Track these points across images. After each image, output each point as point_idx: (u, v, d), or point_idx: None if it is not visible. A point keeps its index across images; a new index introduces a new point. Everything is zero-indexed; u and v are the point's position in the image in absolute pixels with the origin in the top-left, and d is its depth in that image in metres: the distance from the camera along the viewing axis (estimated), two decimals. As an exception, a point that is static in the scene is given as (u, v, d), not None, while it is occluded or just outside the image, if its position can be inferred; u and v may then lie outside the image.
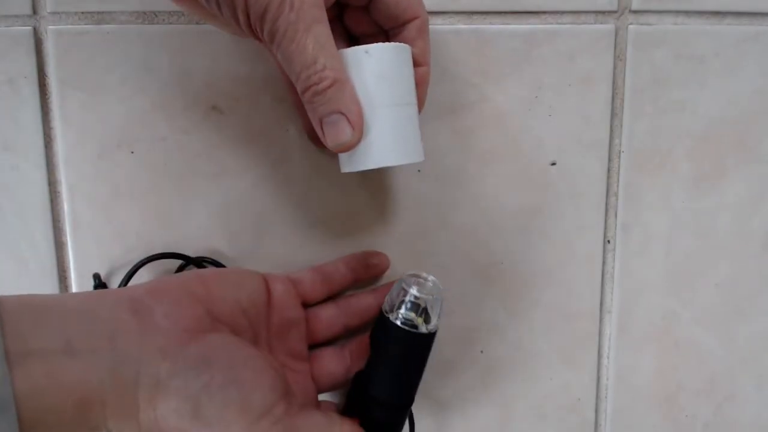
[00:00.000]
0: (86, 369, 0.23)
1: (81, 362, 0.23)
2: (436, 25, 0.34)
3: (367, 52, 0.26)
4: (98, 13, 0.33)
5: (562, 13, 0.35)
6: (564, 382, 0.38)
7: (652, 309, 0.38)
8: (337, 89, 0.25)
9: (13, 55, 0.33)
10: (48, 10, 0.33)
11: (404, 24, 0.28)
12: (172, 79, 0.34)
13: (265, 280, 0.31)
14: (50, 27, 0.33)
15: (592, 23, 0.35)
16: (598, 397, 0.39)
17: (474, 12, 0.34)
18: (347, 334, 0.34)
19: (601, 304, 0.38)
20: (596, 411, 0.39)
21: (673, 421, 0.39)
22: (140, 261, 0.34)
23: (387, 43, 0.27)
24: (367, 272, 0.35)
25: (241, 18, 0.24)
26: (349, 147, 0.26)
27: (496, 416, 0.39)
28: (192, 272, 0.29)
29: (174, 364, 0.24)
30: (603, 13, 0.35)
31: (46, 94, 0.34)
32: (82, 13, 0.33)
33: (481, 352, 0.38)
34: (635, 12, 0.35)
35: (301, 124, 0.34)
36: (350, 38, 0.31)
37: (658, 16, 0.35)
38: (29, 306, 0.23)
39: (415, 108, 0.28)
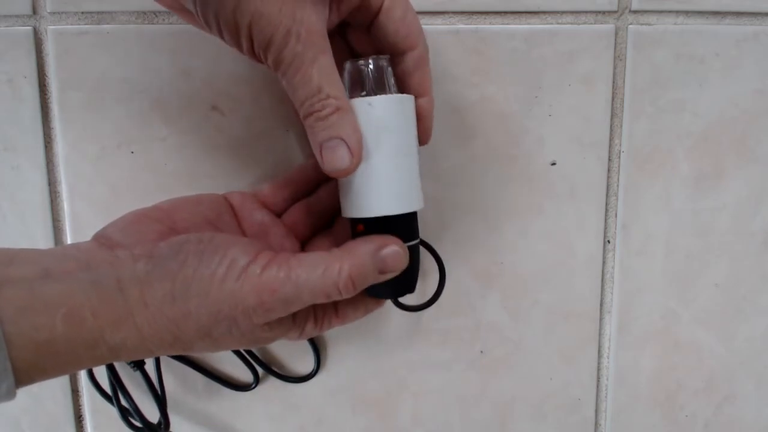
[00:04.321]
0: (67, 287, 0.23)
1: (61, 283, 0.23)
2: (436, 25, 0.34)
3: (370, 104, 0.27)
4: (98, 13, 0.33)
5: (562, 13, 0.35)
6: (564, 382, 0.38)
7: (652, 309, 0.38)
8: (339, 116, 0.26)
9: (13, 55, 0.33)
10: (48, 10, 0.33)
11: (402, 53, 0.28)
12: (172, 79, 0.34)
13: (223, 196, 0.32)
14: (50, 27, 0.33)
15: (592, 23, 0.35)
16: (598, 397, 0.39)
17: (474, 12, 0.34)
18: (329, 221, 0.33)
19: (601, 304, 0.38)
20: (596, 411, 0.39)
21: (673, 421, 0.39)
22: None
23: (390, 95, 0.28)
24: None
25: (245, 44, 0.25)
26: (347, 173, 0.27)
27: (496, 416, 0.39)
28: (149, 206, 0.29)
29: (149, 260, 0.25)
30: (603, 13, 0.35)
31: (46, 94, 0.34)
32: (82, 13, 0.33)
33: (481, 352, 0.38)
34: (635, 12, 0.35)
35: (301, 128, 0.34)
36: (353, 55, 0.31)
37: (658, 16, 0.35)
38: (2, 250, 0.24)
39: (416, 157, 0.29)
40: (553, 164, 0.36)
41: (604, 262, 0.37)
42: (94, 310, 0.23)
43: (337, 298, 0.26)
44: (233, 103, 0.34)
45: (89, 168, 0.35)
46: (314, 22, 0.24)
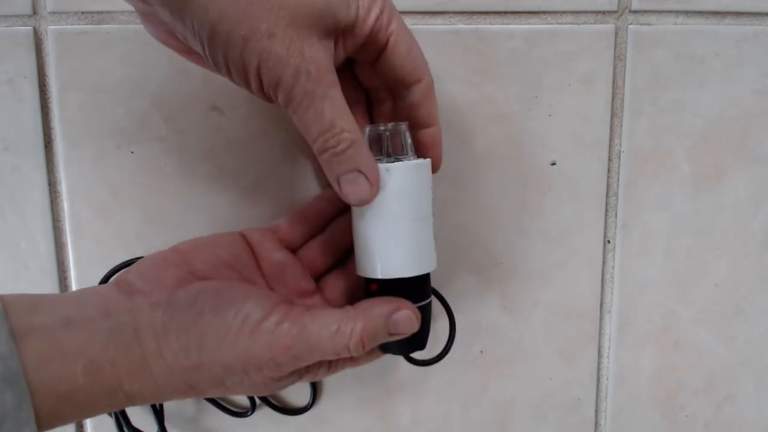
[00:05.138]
0: (87, 336, 0.24)
1: (81, 332, 0.24)
2: (436, 25, 0.34)
3: (388, 170, 0.27)
4: (98, 13, 0.33)
5: (562, 13, 0.35)
6: (564, 382, 0.38)
7: (652, 309, 0.38)
8: (354, 149, 0.26)
9: (13, 55, 0.33)
10: (48, 10, 0.33)
11: (409, 86, 0.29)
12: (172, 79, 0.34)
13: (241, 234, 0.32)
14: (50, 27, 0.33)
15: (592, 23, 0.35)
16: (598, 397, 0.39)
17: (474, 12, 0.34)
18: (343, 257, 0.34)
19: (601, 304, 0.38)
20: (596, 411, 0.39)
21: (673, 421, 0.39)
22: (123, 263, 0.34)
23: (407, 162, 0.28)
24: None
25: (254, 85, 0.25)
26: (368, 201, 0.27)
27: (496, 416, 0.39)
28: (167, 249, 0.30)
29: (166, 310, 0.26)
30: (603, 13, 0.35)
31: (46, 94, 0.34)
32: (82, 13, 0.33)
33: (481, 352, 0.38)
34: (635, 12, 0.35)
35: (312, 164, 0.35)
36: (361, 88, 0.32)
37: (658, 16, 0.35)
38: (25, 297, 0.25)
39: (431, 220, 0.29)
40: (553, 164, 0.36)
41: (604, 262, 0.37)
42: (112, 361, 0.24)
43: (345, 356, 0.27)
44: (232, 103, 0.34)
45: (89, 168, 0.35)
46: (322, 59, 0.25)
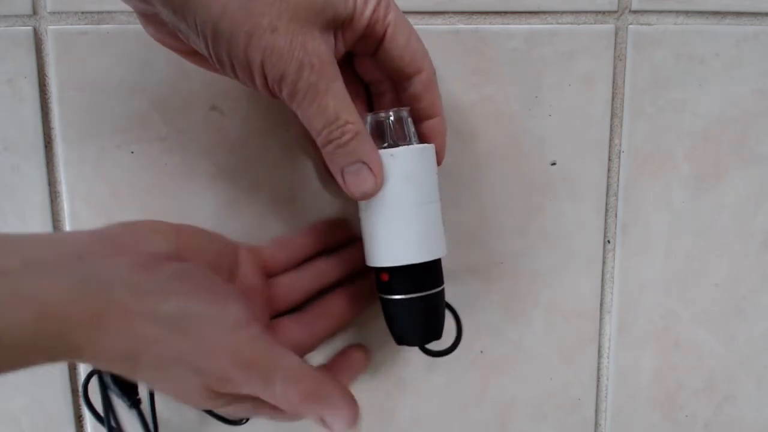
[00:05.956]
0: (50, 285, 0.22)
1: (44, 280, 0.22)
2: (436, 25, 0.34)
3: (392, 155, 0.27)
4: (98, 13, 0.33)
5: (562, 13, 0.35)
6: (564, 382, 0.38)
7: (652, 309, 0.38)
8: (358, 141, 0.26)
9: (13, 55, 0.33)
10: (48, 10, 0.33)
11: (409, 78, 0.29)
12: (172, 80, 0.34)
13: (235, 246, 0.31)
14: (50, 27, 0.33)
15: (592, 23, 0.35)
16: (598, 397, 0.39)
17: (474, 12, 0.34)
18: (308, 299, 0.33)
19: (601, 304, 0.38)
20: (596, 411, 0.39)
21: (673, 421, 0.39)
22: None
23: (411, 146, 0.28)
24: (332, 239, 0.34)
25: (258, 81, 0.25)
26: (372, 194, 0.27)
27: (496, 416, 0.39)
28: (166, 221, 0.29)
29: (149, 274, 0.24)
30: (603, 13, 0.35)
31: (46, 94, 0.34)
32: (82, 13, 0.33)
33: (481, 352, 0.38)
34: (635, 12, 0.35)
35: (313, 163, 0.35)
36: (361, 83, 0.32)
37: (658, 16, 0.35)
38: None
39: (438, 204, 0.29)
40: (553, 164, 0.36)
41: (604, 262, 0.37)
42: (67, 309, 0.22)
43: (282, 405, 0.25)
44: (232, 103, 0.34)
45: (89, 168, 0.35)
46: (324, 52, 0.25)
